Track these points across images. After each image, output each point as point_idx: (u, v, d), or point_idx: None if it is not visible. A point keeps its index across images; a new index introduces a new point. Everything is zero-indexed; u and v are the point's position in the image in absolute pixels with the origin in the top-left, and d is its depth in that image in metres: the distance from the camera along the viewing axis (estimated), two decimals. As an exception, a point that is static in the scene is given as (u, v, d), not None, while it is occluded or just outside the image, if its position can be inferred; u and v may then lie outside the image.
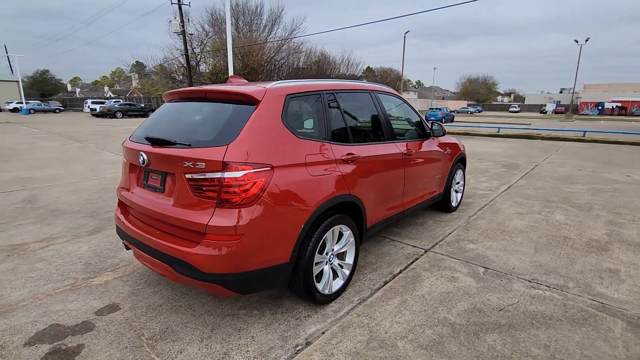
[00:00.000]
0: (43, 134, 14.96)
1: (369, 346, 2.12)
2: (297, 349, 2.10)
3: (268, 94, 2.25)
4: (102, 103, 32.95)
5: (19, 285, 2.81)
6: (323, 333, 2.24)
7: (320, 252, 2.46)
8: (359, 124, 3.06)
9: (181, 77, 33.83)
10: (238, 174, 1.96)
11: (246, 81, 2.76)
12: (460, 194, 4.91)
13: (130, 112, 30.38)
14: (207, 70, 35.31)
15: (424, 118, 3.93)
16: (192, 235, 2.06)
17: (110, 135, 14.98)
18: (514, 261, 3.26)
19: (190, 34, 29.95)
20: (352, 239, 2.69)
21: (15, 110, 39.59)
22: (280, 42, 38.82)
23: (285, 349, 2.09)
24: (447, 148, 4.26)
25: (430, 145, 3.87)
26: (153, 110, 31.78)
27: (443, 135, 4.00)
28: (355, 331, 2.25)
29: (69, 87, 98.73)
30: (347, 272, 2.71)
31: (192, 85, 31.42)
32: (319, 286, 2.44)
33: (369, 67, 68.11)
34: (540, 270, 3.08)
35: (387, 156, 3.08)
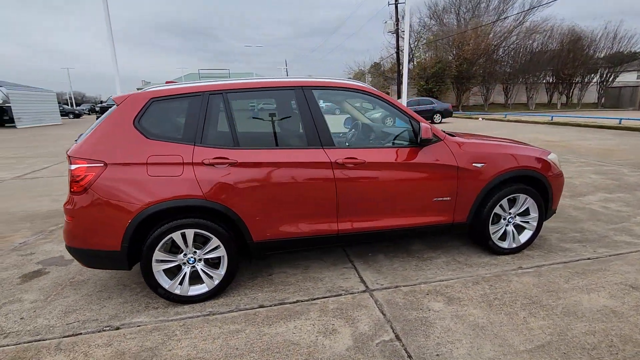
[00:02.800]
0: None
1: (138, 354, 2.08)
2: (103, 328, 2.32)
3: (129, 98, 2.50)
4: (330, 101, 39.02)
5: (91, 228, 4.27)
6: (139, 326, 2.35)
7: (172, 253, 2.51)
8: (256, 127, 2.73)
9: (393, 75, 35.31)
10: (73, 167, 2.36)
11: (173, 85, 3.00)
12: (531, 232, 3.25)
13: (347, 108, 34.52)
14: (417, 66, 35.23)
15: (420, 119, 2.90)
16: None
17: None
18: (461, 348, 2.06)
19: (402, 31, 30.69)
20: (222, 248, 2.54)
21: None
22: (518, 15, 33.47)
23: (99, 325, 2.36)
24: (477, 160, 2.95)
25: (427, 155, 2.85)
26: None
27: (423, 142, 2.82)
28: (154, 337, 2.23)
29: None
30: (216, 282, 2.59)
31: (401, 83, 32.38)
32: (166, 284, 2.51)
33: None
34: (479, 378, 1.84)
35: (296, 164, 2.60)
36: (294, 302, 2.58)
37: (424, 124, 2.74)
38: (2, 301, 2.70)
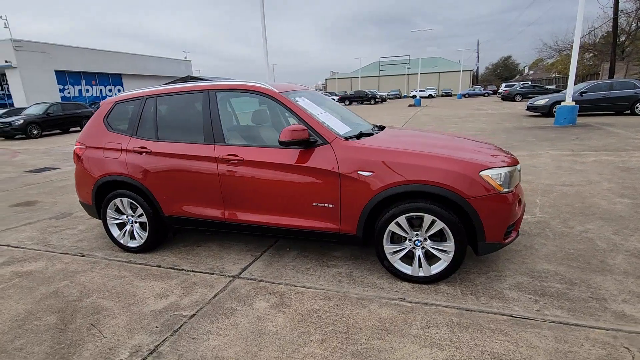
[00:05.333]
0: (420, 113, 19.12)
1: (67, 273, 3.17)
2: (77, 254, 3.56)
3: (104, 101, 3.57)
4: (512, 86, 33.52)
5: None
6: (91, 258, 3.47)
7: (120, 213, 3.51)
8: (169, 123, 3.27)
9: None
10: (74, 147, 3.64)
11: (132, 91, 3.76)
12: (445, 264, 2.63)
13: (529, 94, 28.92)
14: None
15: (311, 121, 2.82)
16: None
17: (461, 120, 16.49)
18: (215, 340, 2.19)
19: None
20: (144, 215, 3.37)
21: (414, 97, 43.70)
22: None
23: (78, 251, 3.62)
24: (364, 168, 2.64)
25: (309, 158, 2.79)
26: (558, 91, 28.09)
27: (282, 144, 2.72)
28: (86, 266, 3.28)
29: (526, 71, 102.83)
30: (142, 241, 3.44)
31: (614, 60, 24.27)
32: (115, 234, 3.54)
33: None
34: (189, 366, 2.01)
35: (189, 156, 3.10)
36: (179, 270, 3.15)
37: (289, 127, 2.69)
38: (69, 226, 4.40)
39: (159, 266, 3.24)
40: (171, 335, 2.26)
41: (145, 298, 2.71)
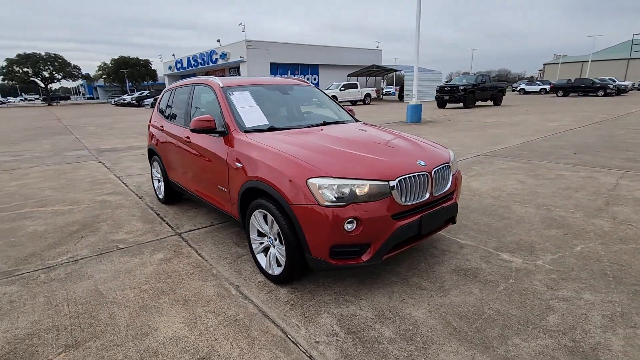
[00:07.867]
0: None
1: (116, 204, 4.75)
2: (132, 193, 5.18)
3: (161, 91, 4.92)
4: None
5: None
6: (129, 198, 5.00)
7: (157, 172, 4.86)
8: (174, 109, 4.16)
9: None
10: (149, 124, 5.21)
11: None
12: (281, 269, 2.55)
13: None
14: None
15: (231, 113, 3.18)
16: None
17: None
18: (100, 275, 3.07)
19: None
20: (161, 175, 4.58)
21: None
22: None
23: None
24: (238, 159, 2.84)
25: (218, 145, 3.21)
26: None
27: (192, 131, 3.14)
28: (125, 202, 4.79)
29: None
30: (163, 196, 4.68)
31: None
32: (156, 187, 4.93)
33: None
34: None
35: (174, 135, 4.00)
36: (162, 219, 4.18)
37: (197, 117, 3.11)
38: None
39: (158, 214, 4.38)
40: (96, 256, 3.29)
41: (122, 231, 3.87)
